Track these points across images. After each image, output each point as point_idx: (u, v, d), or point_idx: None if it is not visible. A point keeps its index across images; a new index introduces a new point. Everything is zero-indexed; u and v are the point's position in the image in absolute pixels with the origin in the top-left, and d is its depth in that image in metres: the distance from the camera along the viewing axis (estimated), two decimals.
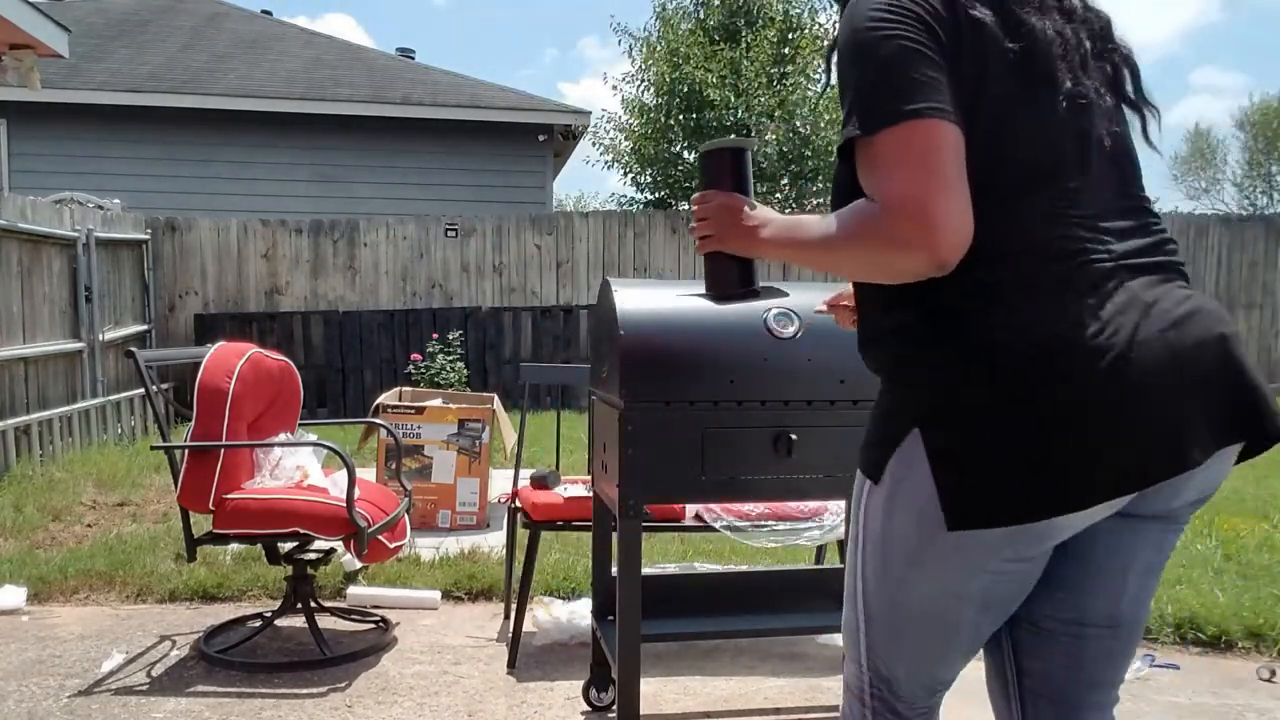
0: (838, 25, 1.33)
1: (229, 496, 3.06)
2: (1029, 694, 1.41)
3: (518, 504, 3.27)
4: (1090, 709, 1.38)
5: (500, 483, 5.30)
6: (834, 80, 1.27)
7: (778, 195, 12.55)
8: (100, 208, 7.95)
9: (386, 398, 5.32)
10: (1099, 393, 1.14)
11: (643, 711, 2.30)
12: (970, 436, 1.18)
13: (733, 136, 1.75)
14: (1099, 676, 1.35)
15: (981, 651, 1.42)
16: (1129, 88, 1.31)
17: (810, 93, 12.43)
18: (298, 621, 3.33)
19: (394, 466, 4.28)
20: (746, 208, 1.39)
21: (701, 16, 13.27)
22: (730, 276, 1.46)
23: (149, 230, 8.69)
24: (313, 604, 3.30)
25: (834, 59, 1.28)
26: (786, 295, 2.34)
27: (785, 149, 11.81)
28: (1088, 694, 1.37)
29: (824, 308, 1.92)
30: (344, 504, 3.02)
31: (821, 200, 11.85)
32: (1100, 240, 1.21)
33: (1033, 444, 1.15)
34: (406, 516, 3.41)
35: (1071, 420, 1.14)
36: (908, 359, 1.26)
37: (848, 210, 1.20)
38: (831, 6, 1.40)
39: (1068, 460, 1.14)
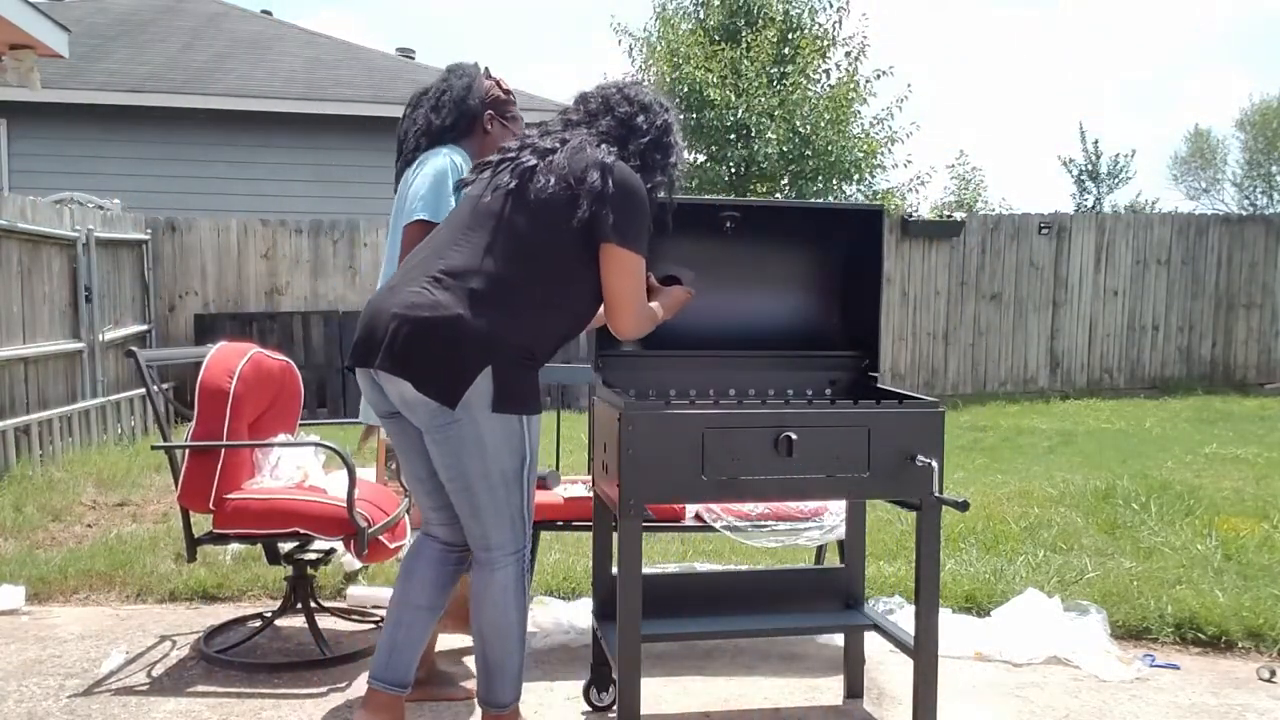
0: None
1: (229, 496, 3.06)
2: None
3: None
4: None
5: None
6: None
7: (778, 195, 12.52)
8: (100, 208, 7.95)
9: None
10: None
11: (643, 711, 2.30)
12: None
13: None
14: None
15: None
16: (530, 197, 2.23)
17: (810, 93, 12.39)
18: (298, 621, 3.33)
19: (394, 467, 4.27)
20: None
21: (701, 16, 13.22)
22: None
23: (149, 230, 8.68)
24: (313, 604, 3.30)
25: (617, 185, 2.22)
26: None
27: (785, 149, 11.76)
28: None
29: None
30: (344, 504, 3.02)
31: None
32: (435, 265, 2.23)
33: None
34: (406, 517, 3.41)
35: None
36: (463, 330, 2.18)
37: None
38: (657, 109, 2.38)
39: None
